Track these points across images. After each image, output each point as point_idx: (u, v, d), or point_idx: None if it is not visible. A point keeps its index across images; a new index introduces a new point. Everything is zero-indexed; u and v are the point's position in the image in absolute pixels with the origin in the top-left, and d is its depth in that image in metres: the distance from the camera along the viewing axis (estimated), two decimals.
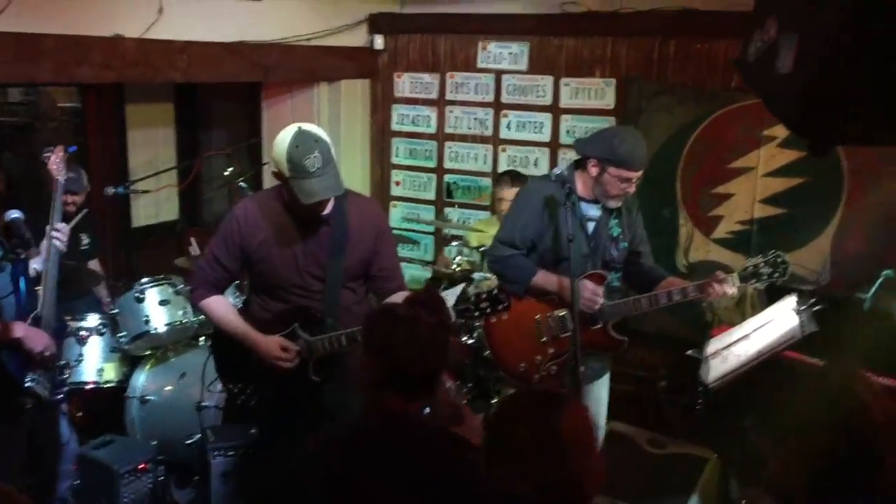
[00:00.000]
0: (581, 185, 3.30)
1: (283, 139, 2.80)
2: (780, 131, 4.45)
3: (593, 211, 3.31)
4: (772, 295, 3.85)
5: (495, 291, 2.66)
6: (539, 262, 3.32)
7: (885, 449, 1.54)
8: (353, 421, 2.28)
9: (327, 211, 2.94)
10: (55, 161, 3.45)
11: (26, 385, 3.00)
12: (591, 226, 3.32)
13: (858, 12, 1.25)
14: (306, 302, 2.98)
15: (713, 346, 3.12)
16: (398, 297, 3.06)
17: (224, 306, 3.08)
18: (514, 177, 4.56)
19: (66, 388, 3.27)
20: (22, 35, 3.48)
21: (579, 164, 3.33)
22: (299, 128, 2.82)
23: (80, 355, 4.10)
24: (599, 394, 3.49)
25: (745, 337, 3.03)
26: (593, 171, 3.21)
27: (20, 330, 2.97)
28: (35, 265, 3.27)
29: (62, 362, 3.26)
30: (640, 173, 3.21)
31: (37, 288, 3.17)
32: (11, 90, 8.48)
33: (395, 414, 1.94)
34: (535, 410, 1.61)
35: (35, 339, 3.01)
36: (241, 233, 2.96)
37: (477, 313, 2.67)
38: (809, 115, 1.32)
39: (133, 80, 4.51)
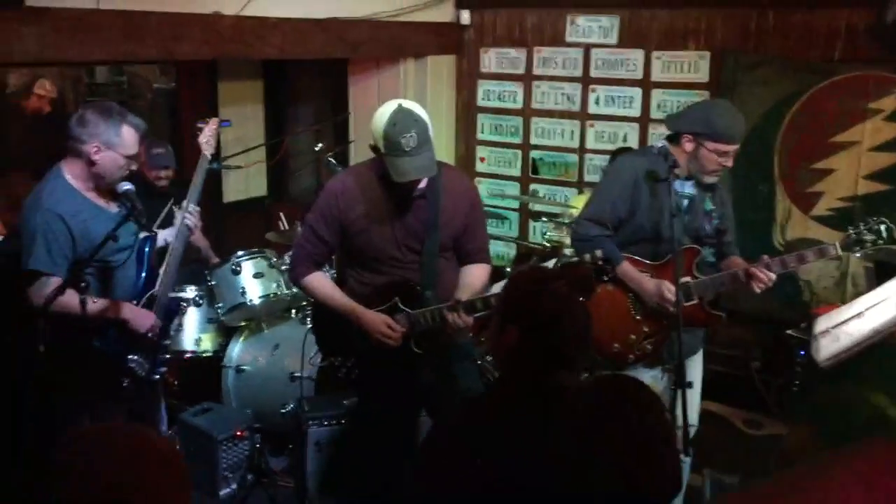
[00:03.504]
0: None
1: (382, 114, 2.80)
2: (888, 104, 4.28)
3: (688, 188, 3.24)
4: (881, 274, 3.71)
5: (600, 261, 2.58)
6: (633, 239, 3.27)
7: None
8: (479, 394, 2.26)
9: (422, 186, 2.94)
10: (207, 134, 3.38)
11: (127, 364, 3.04)
12: (685, 202, 3.24)
13: None
14: (402, 273, 2.99)
15: (822, 324, 3.00)
16: (480, 270, 3.09)
17: (327, 283, 3.08)
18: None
19: (163, 370, 3.28)
20: (128, 13, 3.58)
21: (670, 140, 3.25)
22: (399, 105, 2.80)
23: (179, 325, 4.22)
24: (693, 372, 3.41)
25: (858, 315, 2.91)
26: (688, 146, 3.12)
27: (127, 311, 2.99)
28: (165, 235, 3.29)
29: (166, 342, 3.26)
30: (737, 146, 3.11)
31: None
32: (99, 70, 8.77)
33: (552, 384, 1.92)
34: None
35: (141, 320, 3.03)
36: (339, 207, 2.97)
37: None
38: None
39: (229, 56, 4.59)
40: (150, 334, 3.07)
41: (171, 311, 3.31)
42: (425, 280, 2.98)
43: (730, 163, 3.11)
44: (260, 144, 5.64)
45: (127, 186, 2.85)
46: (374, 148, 2.85)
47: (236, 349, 4.34)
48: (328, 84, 6.24)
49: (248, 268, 4.26)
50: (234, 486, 3.87)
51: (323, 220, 2.99)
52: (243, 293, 4.20)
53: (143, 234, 3.17)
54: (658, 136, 4.44)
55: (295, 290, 4.34)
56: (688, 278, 3.15)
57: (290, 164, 6.38)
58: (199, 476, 3.89)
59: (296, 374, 4.04)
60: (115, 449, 1.22)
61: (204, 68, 5.63)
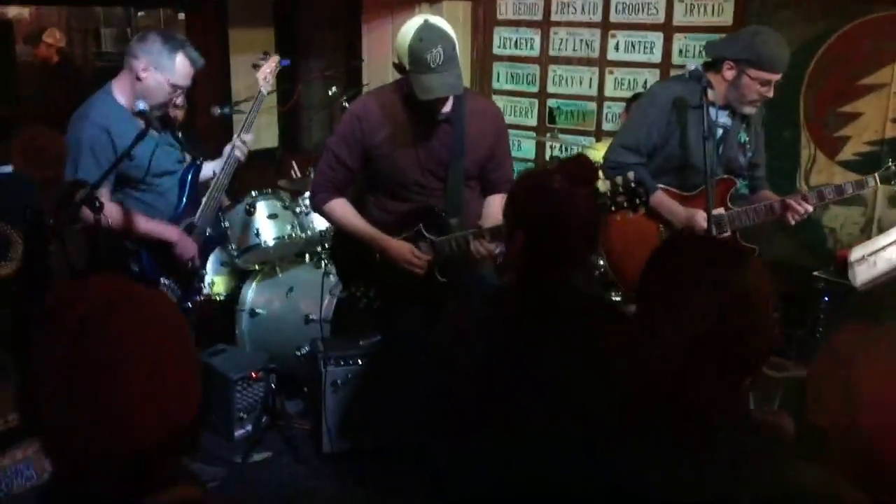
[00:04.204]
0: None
1: (407, 30, 2.71)
2: None
3: (723, 118, 3.14)
4: None
5: (633, 184, 2.48)
6: (663, 167, 3.18)
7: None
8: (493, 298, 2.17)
9: (447, 109, 2.85)
10: (265, 71, 3.48)
11: (158, 287, 3.01)
12: (719, 132, 3.16)
13: None
14: (426, 200, 2.91)
15: (858, 252, 2.95)
16: (499, 200, 2.94)
17: (349, 210, 3.00)
18: None
19: (197, 298, 3.26)
20: None
21: (709, 68, 3.14)
22: (426, 20, 2.71)
23: None
24: None
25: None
26: (729, 74, 3.02)
27: (176, 234, 2.99)
28: (213, 166, 3.28)
29: (203, 272, 3.27)
30: (780, 76, 3.01)
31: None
32: (106, 37, 8.63)
33: (555, 282, 1.85)
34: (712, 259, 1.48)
35: (187, 247, 3.03)
36: (361, 130, 2.88)
37: (613, 207, 2.51)
38: None
39: None
40: (190, 263, 3.07)
41: (213, 241, 3.33)
42: (449, 207, 2.90)
43: (771, 93, 3.02)
44: (272, 91, 5.52)
45: (142, 106, 2.78)
46: (399, 66, 2.76)
47: (250, 292, 4.27)
48: (340, 36, 6.12)
49: (262, 209, 4.19)
50: (248, 427, 3.82)
51: (345, 143, 2.91)
52: (257, 234, 4.13)
53: (187, 162, 3.18)
54: None
55: (309, 232, 4.28)
56: (721, 209, 3.06)
57: (301, 116, 6.28)
58: (214, 417, 3.85)
59: (311, 317, 3.98)
60: (90, 298, 1.14)
61: (213, 14, 5.52)
